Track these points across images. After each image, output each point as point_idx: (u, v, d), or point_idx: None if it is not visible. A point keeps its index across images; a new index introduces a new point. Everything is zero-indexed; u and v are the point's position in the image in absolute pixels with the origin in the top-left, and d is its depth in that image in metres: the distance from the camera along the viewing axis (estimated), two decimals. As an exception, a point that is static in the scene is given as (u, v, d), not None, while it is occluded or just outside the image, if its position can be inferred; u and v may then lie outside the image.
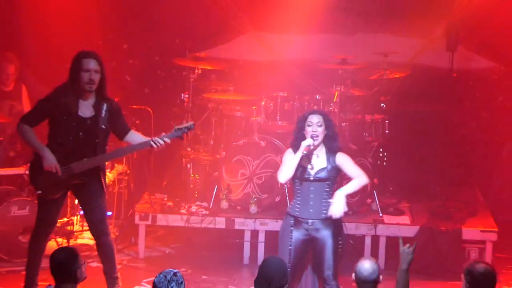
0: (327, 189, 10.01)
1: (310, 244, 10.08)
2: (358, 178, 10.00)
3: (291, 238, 10.05)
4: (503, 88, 15.06)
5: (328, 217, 9.89)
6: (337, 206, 9.75)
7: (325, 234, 9.99)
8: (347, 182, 10.07)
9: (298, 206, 10.04)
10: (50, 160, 10.19)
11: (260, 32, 15.09)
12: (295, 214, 10.04)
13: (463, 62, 14.17)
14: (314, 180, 9.98)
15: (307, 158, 9.92)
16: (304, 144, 9.78)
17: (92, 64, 10.19)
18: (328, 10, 14.51)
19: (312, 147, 9.87)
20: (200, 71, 13.71)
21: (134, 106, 13.82)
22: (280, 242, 10.22)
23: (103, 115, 10.33)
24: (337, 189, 9.95)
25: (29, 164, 10.69)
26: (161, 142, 10.33)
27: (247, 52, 15.02)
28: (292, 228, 10.05)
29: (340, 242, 10.10)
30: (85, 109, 10.29)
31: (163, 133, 10.42)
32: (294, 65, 14.55)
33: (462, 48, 13.81)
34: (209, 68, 13.87)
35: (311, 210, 9.97)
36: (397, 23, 14.96)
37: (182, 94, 13.68)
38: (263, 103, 13.40)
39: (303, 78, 14.05)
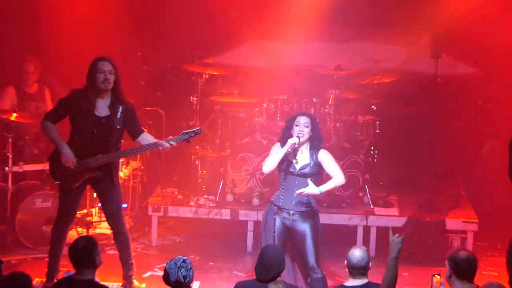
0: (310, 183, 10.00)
1: (290, 234, 10.17)
2: (336, 178, 10.08)
3: (274, 226, 10.12)
4: (482, 91, 15.09)
5: (308, 211, 10.09)
6: (309, 189, 9.87)
7: (305, 227, 10.09)
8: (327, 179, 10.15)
9: (282, 197, 10.15)
10: (67, 155, 10.31)
11: (262, 40, 15.10)
12: (278, 204, 10.15)
13: (447, 68, 14.19)
14: (298, 175, 10.08)
15: (293, 154, 10.03)
16: (290, 141, 9.88)
17: (106, 65, 10.32)
18: (324, 20, 14.52)
19: (296, 145, 9.91)
20: (207, 76, 13.74)
21: (147, 108, 13.86)
22: (263, 230, 10.33)
23: (118, 116, 10.42)
24: (319, 184, 10.01)
25: (49, 158, 10.70)
26: (167, 145, 10.42)
27: (250, 58, 15.02)
28: (275, 216, 10.13)
29: (319, 232, 10.19)
30: (101, 109, 10.40)
31: (170, 136, 10.48)
32: (293, 70, 14.59)
33: (446, 55, 13.81)
34: (215, 73, 13.91)
35: (293, 202, 10.06)
36: (386, 32, 14.91)
37: (191, 97, 13.71)
38: (264, 105, 13.45)
39: (301, 82, 14.09)
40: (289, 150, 9.88)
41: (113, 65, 10.40)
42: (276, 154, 9.99)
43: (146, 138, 10.67)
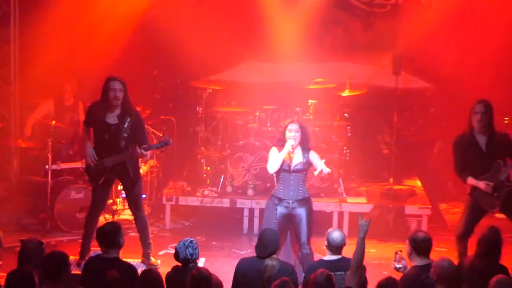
0: (302, 178, 10.23)
1: (290, 218, 10.21)
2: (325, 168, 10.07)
3: (276, 214, 10.13)
4: (434, 102, 15.11)
5: (303, 198, 10.19)
6: (324, 169, 9.97)
7: (301, 211, 10.18)
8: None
9: (281, 190, 10.18)
10: (87, 155, 10.52)
11: (255, 61, 15.09)
12: (278, 196, 10.18)
13: (405, 83, 14.15)
14: (293, 171, 10.13)
15: (287, 155, 10.06)
16: (288, 145, 9.95)
17: (117, 84, 10.28)
18: (306, 44, 14.44)
19: (293, 148, 9.99)
20: (210, 91, 13.64)
21: (162, 117, 13.92)
22: (265, 217, 10.41)
23: (125, 125, 10.38)
24: (306, 178, 10.37)
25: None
26: (143, 152, 10.41)
27: (245, 76, 15.01)
28: (277, 206, 10.15)
29: (312, 216, 10.31)
30: (111, 118, 10.40)
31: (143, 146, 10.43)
32: (280, 85, 14.42)
33: (404, 72, 13.76)
34: (217, 88, 13.86)
35: (291, 193, 10.14)
36: (356, 54, 14.97)
37: (197, 108, 13.60)
38: (257, 113, 13.37)
39: (286, 95, 13.91)
40: (291, 150, 10.01)
41: (123, 84, 10.36)
42: (279, 156, 10.10)
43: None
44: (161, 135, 13.00)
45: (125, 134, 10.39)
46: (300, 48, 14.43)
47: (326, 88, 13.71)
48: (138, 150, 10.30)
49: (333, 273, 7.74)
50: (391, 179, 13.55)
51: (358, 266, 8.17)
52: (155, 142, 11.57)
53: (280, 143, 10.20)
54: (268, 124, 13.21)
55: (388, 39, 14.86)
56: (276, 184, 10.44)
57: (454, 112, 14.10)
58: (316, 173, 10.20)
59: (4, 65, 14.04)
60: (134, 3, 14.00)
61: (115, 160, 10.42)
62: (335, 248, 8.69)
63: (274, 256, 8.49)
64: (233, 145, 13.26)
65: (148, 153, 10.57)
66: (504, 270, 8.54)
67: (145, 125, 11.78)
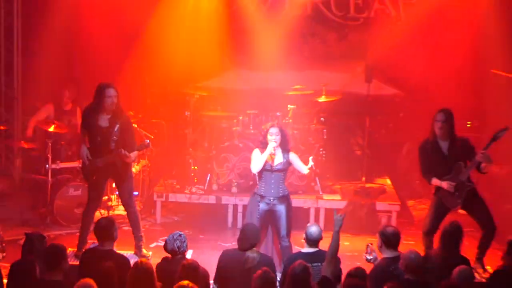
0: (282, 177, 10.26)
1: (271, 214, 10.24)
2: (304, 170, 10.36)
3: (258, 210, 10.18)
4: (402, 107, 15.08)
5: (283, 196, 10.25)
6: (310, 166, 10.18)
7: (281, 208, 10.20)
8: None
9: (263, 188, 10.22)
10: (81, 155, 10.61)
11: (239, 69, 15.03)
12: (260, 193, 10.23)
13: (376, 90, 14.10)
14: (274, 171, 10.16)
15: (269, 156, 10.10)
16: (270, 147, 10.02)
17: (112, 92, 10.30)
18: (286, 54, 14.41)
19: (274, 149, 10.06)
20: (198, 96, 13.56)
21: (153, 120, 13.89)
22: (248, 213, 10.43)
23: (115, 129, 10.38)
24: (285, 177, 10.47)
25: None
26: (126, 154, 10.40)
27: (230, 83, 14.96)
28: (259, 202, 10.18)
29: (291, 212, 10.35)
30: (103, 121, 10.41)
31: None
32: (262, 92, 14.41)
33: (375, 80, 13.76)
34: (204, 94, 13.78)
35: (272, 191, 10.17)
36: (331, 63, 14.96)
37: (186, 112, 13.51)
38: (241, 118, 13.31)
39: (268, 100, 13.90)
40: (272, 152, 10.07)
41: (116, 90, 10.40)
42: (261, 157, 10.15)
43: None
44: (152, 137, 13.01)
45: (114, 137, 10.41)
46: (280, 58, 14.37)
47: (304, 94, 13.67)
48: (122, 152, 10.29)
49: (310, 264, 7.75)
50: (363, 178, 13.58)
51: (332, 256, 8.22)
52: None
53: (262, 145, 10.25)
54: (251, 128, 13.16)
55: (360, 49, 14.86)
56: (258, 182, 10.43)
57: (421, 117, 13.99)
58: (307, 167, 10.30)
59: (8, 73, 14.05)
60: (128, 16, 13.94)
61: (105, 160, 10.44)
62: (312, 241, 8.73)
63: (254, 248, 8.52)
64: (219, 147, 13.18)
65: (132, 154, 10.44)
66: (465, 261, 8.59)
67: (137, 128, 11.85)
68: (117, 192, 11.49)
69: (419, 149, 10.47)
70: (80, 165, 11.30)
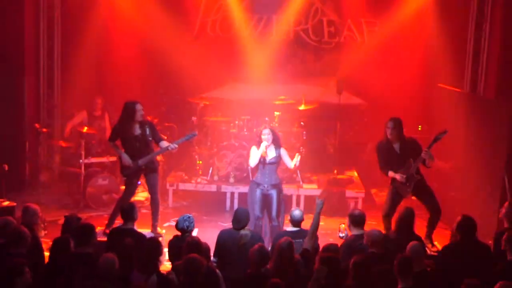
0: (275, 168, 10.27)
1: (265, 198, 10.25)
2: (291, 163, 10.34)
3: (256, 195, 10.23)
4: (366, 114, 14.97)
5: (275, 183, 10.30)
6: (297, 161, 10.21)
7: (273, 192, 10.23)
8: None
9: (259, 177, 10.26)
10: (126, 160, 10.38)
11: (236, 82, 14.92)
12: (258, 181, 10.25)
13: (346, 100, 14.06)
14: (268, 164, 10.20)
15: (264, 152, 10.12)
16: (262, 145, 10.11)
17: (140, 107, 10.28)
18: (273, 71, 14.48)
19: (266, 147, 10.09)
20: (202, 105, 13.48)
21: (166, 124, 13.77)
22: (249, 198, 10.43)
23: (147, 132, 10.35)
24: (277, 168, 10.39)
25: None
26: (174, 146, 10.44)
27: (228, 94, 14.83)
28: (256, 189, 10.22)
29: (281, 196, 10.39)
30: (135, 130, 10.34)
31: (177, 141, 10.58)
32: (254, 101, 14.31)
33: (345, 92, 13.70)
34: (207, 103, 13.67)
35: (266, 179, 10.20)
36: (309, 78, 14.88)
37: (192, 117, 13.45)
38: (236, 122, 13.26)
39: (258, 108, 13.81)
40: (265, 149, 10.13)
41: (141, 105, 10.38)
42: (257, 153, 10.21)
43: (163, 143, 10.54)
44: (165, 137, 12.89)
45: (149, 139, 10.42)
46: (268, 74, 14.41)
47: (288, 103, 13.62)
48: (171, 146, 10.35)
49: (294, 240, 7.71)
50: (335, 171, 13.49)
51: (313, 233, 8.19)
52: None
53: (258, 143, 10.28)
54: (245, 130, 13.09)
55: (333, 67, 14.83)
56: (255, 173, 10.55)
57: (380, 122, 13.92)
58: (293, 162, 10.29)
59: (50, 85, 14.00)
60: (146, 38, 13.95)
61: (147, 159, 10.39)
62: (296, 222, 8.72)
63: (247, 228, 8.47)
64: (219, 145, 13.10)
65: (173, 144, 10.46)
66: (418, 238, 8.52)
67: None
68: (146, 180, 11.17)
69: (376, 148, 10.52)
70: (111, 160, 11.64)
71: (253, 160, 10.28)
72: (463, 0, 13.64)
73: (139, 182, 11.06)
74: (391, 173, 10.24)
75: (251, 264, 7.42)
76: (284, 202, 10.83)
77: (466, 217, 8.24)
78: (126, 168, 10.51)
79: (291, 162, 10.33)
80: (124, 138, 10.45)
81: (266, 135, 10.22)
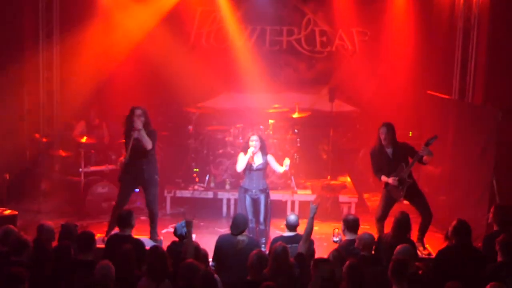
0: (262, 174, 10.33)
1: (254, 203, 10.29)
2: (280, 169, 10.36)
3: (245, 200, 10.28)
4: (359, 120, 15.02)
5: (263, 189, 10.32)
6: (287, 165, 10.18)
7: (261, 197, 10.28)
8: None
9: (247, 183, 10.31)
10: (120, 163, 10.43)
11: (230, 92, 14.94)
12: (246, 187, 10.29)
13: (338, 107, 14.06)
14: (255, 170, 10.25)
15: (252, 158, 10.18)
16: (249, 151, 10.15)
17: (138, 112, 10.20)
18: (267, 80, 14.51)
19: (253, 153, 10.14)
20: (198, 114, 13.50)
21: (164, 133, 13.72)
22: (238, 203, 10.50)
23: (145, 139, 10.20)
24: (265, 175, 10.64)
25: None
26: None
27: (223, 103, 14.86)
28: (245, 194, 10.27)
29: (268, 201, 10.39)
30: (135, 134, 10.19)
31: None
32: (248, 110, 14.35)
33: (337, 100, 13.71)
34: (203, 112, 13.72)
35: (254, 185, 10.23)
36: (303, 87, 14.89)
37: (189, 126, 13.44)
38: (231, 130, 13.20)
39: (253, 116, 13.84)
40: (251, 155, 10.17)
41: (143, 111, 10.32)
42: (244, 159, 10.24)
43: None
44: (161, 145, 13.00)
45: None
46: (262, 83, 14.42)
47: (281, 111, 13.63)
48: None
49: (290, 245, 7.76)
50: (329, 176, 13.49)
51: (307, 237, 8.21)
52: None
53: (245, 150, 10.31)
54: (240, 138, 13.04)
55: (325, 76, 14.88)
56: (244, 178, 10.53)
57: (372, 128, 14.00)
58: (283, 168, 10.27)
59: (49, 97, 13.94)
60: (142, 51, 13.91)
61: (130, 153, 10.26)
62: (291, 227, 8.75)
63: (244, 233, 8.49)
64: (215, 153, 13.10)
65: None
66: (411, 243, 8.54)
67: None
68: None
69: (370, 153, 10.57)
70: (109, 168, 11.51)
71: (240, 166, 10.34)
72: (450, 8, 13.71)
73: (137, 190, 11.05)
74: (384, 178, 10.30)
75: (250, 270, 7.41)
76: (279, 207, 10.86)
77: (461, 221, 8.24)
78: (123, 174, 10.52)
79: (280, 167, 10.35)
80: (126, 141, 10.44)
81: (254, 141, 10.28)
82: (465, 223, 8.23)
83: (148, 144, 10.20)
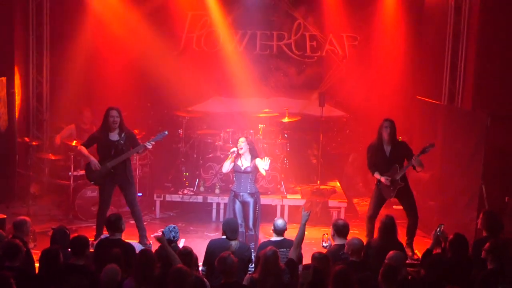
0: (251, 177, 10.27)
1: (243, 207, 10.25)
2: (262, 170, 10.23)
3: (234, 203, 10.26)
4: (348, 125, 15.04)
5: (252, 192, 10.24)
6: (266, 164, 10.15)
7: (250, 201, 10.21)
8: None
9: (236, 186, 10.28)
10: (94, 164, 10.30)
11: (220, 96, 14.91)
12: (234, 190, 10.27)
13: (328, 112, 14.01)
14: (243, 172, 10.20)
15: (240, 160, 10.19)
16: (230, 152, 10.33)
17: (114, 113, 10.22)
18: (257, 84, 14.51)
19: (234, 154, 10.27)
20: (188, 118, 13.46)
21: (153, 137, 13.61)
22: (228, 207, 10.49)
23: (123, 140, 10.29)
24: (255, 179, 10.49)
25: (85, 168, 10.74)
26: (148, 145, 10.42)
27: (213, 107, 14.80)
28: (234, 198, 10.25)
29: (257, 206, 10.28)
30: (111, 136, 10.31)
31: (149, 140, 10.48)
32: (239, 114, 14.35)
33: (327, 105, 13.64)
34: (193, 116, 13.67)
35: (242, 188, 10.19)
36: (292, 92, 14.87)
37: (179, 130, 13.43)
38: (222, 134, 13.18)
39: (243, 121, 13.84)
40: (231, 156, 10.27)
41: (118, 112, 10.33)
42: (226, 161, 10.37)
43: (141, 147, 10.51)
44: (151, 149, 12.92)
45: (124, 148, 10.33)
46: (252, 87, 14.41)
47: (271, 116, 13.63)
48: (147, 144, 10.31)
49: (278, 250, 7.70)
50: (319, 181, 13.44)
51: (298, 244, 8.18)
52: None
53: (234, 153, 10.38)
54: (230, 142, 13.00)
55: (315, 81, 14.88)
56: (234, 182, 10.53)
57: (362, 133, 14.11)
58: (262, 170, 10.24)
59: (39, 100, 13.94)
60: (134, 54, 13.90)
61: (116, 161, 10.27)
62: (279, 231, 8.70)
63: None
64: (205, 157, 13.07)
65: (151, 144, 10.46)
66: (400, 245, 8.55)
67: (140, 142, 11.61)
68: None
69: (367, 147, 10.70)
70: (86, 174, 10.86)
71: (224, 167, 10.42)
72: (440, 13, 13.75)
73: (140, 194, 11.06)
74: (377, 175, 10.42)
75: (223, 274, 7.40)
76: (269, 212, 10.83)
77: (458, 236, 8.14)
78: (91, 172, 10.46)
79: (262, 169, 10.30)
80: (99, 143, 10.43)
81: (241, 143, 10.31)
82: (462, 237, 8.12)
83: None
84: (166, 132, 10.77)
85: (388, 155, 10.34)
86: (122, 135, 10.32)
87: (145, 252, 7.57)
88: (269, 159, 10.33)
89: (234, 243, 8.39)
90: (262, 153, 12.40)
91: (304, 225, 8.32)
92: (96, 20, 13.69)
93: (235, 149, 10.30)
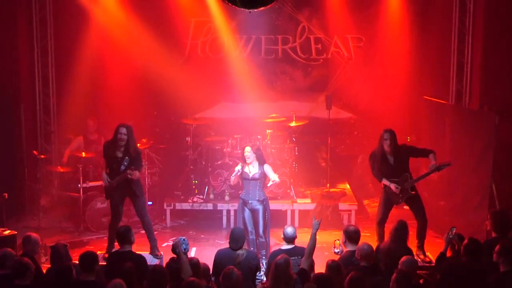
0: (260, 184, 10.30)
1: (252, 214, 10.27)
2: (276, 179, 10.34)
3: (243, 211, 10.29)
4: (356, 127, 15.07)
5: (260, 199, 10.26)
6: (276, 179, 10.34)
7: (259, 208, 10.24)
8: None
9: (244, 194, 10.32)
10: (104, 179, 10.36)
11: (227, 102, 14.94)
12: (243, 198, 10.30)
13: (335, 114, 14.08)
14: (251, 179, 10.23)
15: (248, 167, 10.25)
16: (236, 169, 10.45)
17: (122, 130, 10.12)
18: (263, 89, 14.56)
19: (239, 173, 10.39)
20: (195, 125, 13.50)
21: (161, 146, 13.76)
22: (237, 215, 10.53)
23: (126, 162, 10.19)
24: (264, 185, 10.47)
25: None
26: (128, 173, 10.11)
27: (220, 113, 14.85)
28: (244, 207, 10.27)
29: (267, 213, 10.31)
30: (118, 152, 10.23)
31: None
32: (246, 120, 14.35)
33: (334, 107, 13.69)
34: (200, 123, 13.71)
35: (250, 195, 10.23)
36: (299, 95, 14.91)
37: (187, 138, 13.47)
38: (229, 141, 13.21)
39: (250, 126, 13.85)
40: (234, 173, 10.43)
41: (128, 129, 10.21)
42: (233, 175, 10.46)
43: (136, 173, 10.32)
44: (159, 158, 13.01)
45: (125, 164, 10.20)
46: (258, 92, 14.43)
47: (279, 120, 13.63)
48: (127, 172, 10.04)
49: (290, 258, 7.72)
50: (328, 184, 13.46)
51: (310, 253, 8.16)
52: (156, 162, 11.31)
53: (243, 160, 10.40)
54: (238, 148, 12.99)
55: (321, 83, 14.89)
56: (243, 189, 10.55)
57: (370, 134, 14.11)
58: (269, 184, 10.38)
59: (46, 112, 14.02)
60: (138, 63, 13.94)
61: (118, 181, 10.21)
62: (289, 239, 8.71)
63: (244, 247, 8.49)
64: (214, 164, 13.09)
65: (135, 173, 10.13)
66: (409, 251, 8.55)
67: (148, 151, 11.60)
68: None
69: (369, 157, 10.58)
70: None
71: (232, 180, 10.55)
72: (446, 14, 13.74)
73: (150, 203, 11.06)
74: (385, 181, 10.29)
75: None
76: (279, 216, 10.82)
77: (473, 240, 7.97)
78: (104, 188, 10.53)
79: (276, 176, 10.40)
80: (106, 155, 10.42)
81: (247, 152, 10.32)
82: (477, 242, 7.97)
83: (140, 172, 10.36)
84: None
85: (392, 163, 10.24)
86: (126, 157, 10.20)
87: (157, 268, 7.57)
88: (276, 175, 10.41)
89: (241, 252, 8.39)
90: (270, 158, 12.47)
91: (315, 234, 8.30)
92: (100, 30, 13.75)
93: (239, 167, 10.36)
